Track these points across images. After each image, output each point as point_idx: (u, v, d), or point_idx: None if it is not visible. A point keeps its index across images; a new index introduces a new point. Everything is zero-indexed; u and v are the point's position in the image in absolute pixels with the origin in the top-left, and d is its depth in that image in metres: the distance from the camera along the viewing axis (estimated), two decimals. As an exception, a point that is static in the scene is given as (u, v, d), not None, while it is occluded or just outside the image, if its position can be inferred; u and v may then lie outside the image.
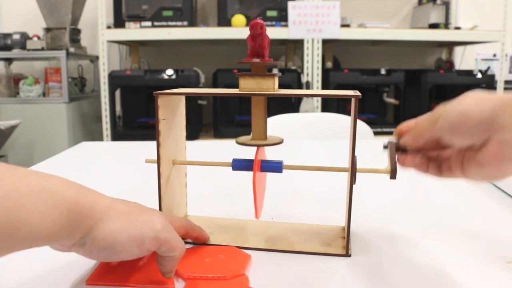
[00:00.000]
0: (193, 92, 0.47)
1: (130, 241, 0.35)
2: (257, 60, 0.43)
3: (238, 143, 0.47)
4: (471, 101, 0.37)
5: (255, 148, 0.47)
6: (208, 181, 0.75)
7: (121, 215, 0.36)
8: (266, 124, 0.48)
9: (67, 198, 0.32)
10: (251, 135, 0.48)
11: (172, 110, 0.49)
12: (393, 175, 0.43)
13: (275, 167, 0.47)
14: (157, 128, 0.45)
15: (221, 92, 0.46)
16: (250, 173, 0.45)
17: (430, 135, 0.41)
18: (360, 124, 1.36)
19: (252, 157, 0.46)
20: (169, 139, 0.48)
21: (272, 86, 0.43)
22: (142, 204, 0.41)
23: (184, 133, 0.53)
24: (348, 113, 0.83)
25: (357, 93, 0.43)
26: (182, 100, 0.52)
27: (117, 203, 0.37)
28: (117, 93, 2.66)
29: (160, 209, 0.48)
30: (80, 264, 0.43)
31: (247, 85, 0.44)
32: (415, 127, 0.42)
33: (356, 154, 0.44)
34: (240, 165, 0.47)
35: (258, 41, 0.42)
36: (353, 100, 0.41)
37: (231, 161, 0.48)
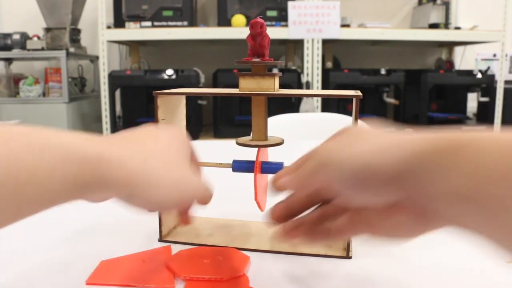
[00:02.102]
0: (193, 92, 0.47)
1: (171, 204, 0.34)
2: (257, 59, 0.43)
3: (238, 143, 0.47)
4: (372, 146, 0.28)
5: (256, 148, 0.46)
6: (208, 181, 0.74)
7: (161, 176, 0.32)
8: (267, 124, 0.47)
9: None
10: (251, 135, 0.48)
11: (172, 110, 0.48)
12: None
13: (276, 168, 0.46)
14: (156, 128, 0.45)
15: (221, 92, 0.46)
16: (251, 174, 0.45)
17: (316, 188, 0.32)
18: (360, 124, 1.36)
19: (253, 157, 0.46)
20: None
21: (272, 86, 0.43)
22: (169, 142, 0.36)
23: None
24: (349, 113, 0.83)
25: (358, 93, 0.43)
26: (182, 100, 0.51)
27: (151, 160, 0.32)
28: (117, 93, 2.65)
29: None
30: (80, 264, 0.43)
31: (247, 85, 0.43)
32: (294, 179, 0.33)
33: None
34: (240, 166, 0.47)
35: (258, 40, 0.42)
36: (354, 100, 0.41)
37: (231, 162, 0.47)
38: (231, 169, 0.47)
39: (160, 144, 0.34)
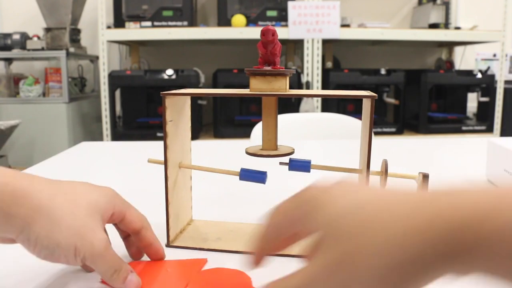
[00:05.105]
0: (201, 92, 0.46)
1: (70, 249, 0.33)
2: (268, 67, 0.42)
3: (248, 153, 0.46)
4: (366, 193, 0.27)
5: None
6: (210, 182, 0.73)
7: (66, 216, 0.34)
8: (277, 128, 0.47)
9: None
10: (262, 142, 0.47)
11: (178, 111, 0.47)
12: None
13: (303, 166, 0.45)
14: (164, 130, 0.44)
15: (230, 92, 0.45)
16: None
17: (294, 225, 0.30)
18: (360, 124, 1.36)
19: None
20: (176, 141, 0.47)
21: (284, 86, 0.42)
22: (86, 191, 0.37)
23: (189, 135, 0.52)
24: (348, 113, 0.82)
25: (371, 93, 0.42)
26: (188, 101, 0.50)
27: (59, 198, 0.34)
28: (117, 93, 2.65)
29: (167, 214, 0.46)
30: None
31: (257, 85, 0.43)
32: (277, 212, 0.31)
33: (371, 155, 0.43)
34: (248, 176, 0.45)
35: (270, 48, 0.41)
36: (364, 101, 0.41)
37: (239, 170, 0.46)
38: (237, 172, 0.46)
39: (78, 190, 0.36)
